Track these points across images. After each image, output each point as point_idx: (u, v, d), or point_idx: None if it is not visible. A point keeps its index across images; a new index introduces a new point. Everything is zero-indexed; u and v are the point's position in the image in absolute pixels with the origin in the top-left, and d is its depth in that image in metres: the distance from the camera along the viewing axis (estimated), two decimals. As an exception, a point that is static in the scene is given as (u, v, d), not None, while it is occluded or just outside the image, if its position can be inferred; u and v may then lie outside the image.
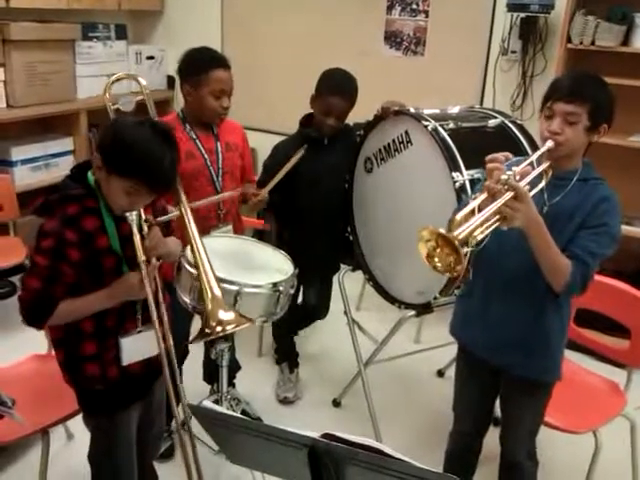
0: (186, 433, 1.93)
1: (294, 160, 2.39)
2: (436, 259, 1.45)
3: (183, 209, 1.97)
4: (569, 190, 1.73)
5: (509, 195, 1.52)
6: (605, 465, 2.28)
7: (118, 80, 2.18)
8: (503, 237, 1.62)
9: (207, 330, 1.77)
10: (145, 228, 1.71)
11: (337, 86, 2.62)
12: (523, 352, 1.83)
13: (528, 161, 1.66)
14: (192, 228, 1.94)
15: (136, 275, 1.68)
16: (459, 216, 1.49)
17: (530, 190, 1.60)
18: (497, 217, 1.53)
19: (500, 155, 1.63)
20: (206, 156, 2.34)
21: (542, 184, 1.68)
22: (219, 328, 1.78)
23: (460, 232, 1.43)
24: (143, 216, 1.72)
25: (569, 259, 1.66)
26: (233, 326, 1.80)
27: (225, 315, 1.80)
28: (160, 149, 1.61)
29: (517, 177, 1.57)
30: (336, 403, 2.97)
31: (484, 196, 1.54)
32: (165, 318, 1.80)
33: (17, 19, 3.61)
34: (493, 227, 1.53)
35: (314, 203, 2.71)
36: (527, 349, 1.83)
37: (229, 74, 2.30)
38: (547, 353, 1.85)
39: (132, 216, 1.66)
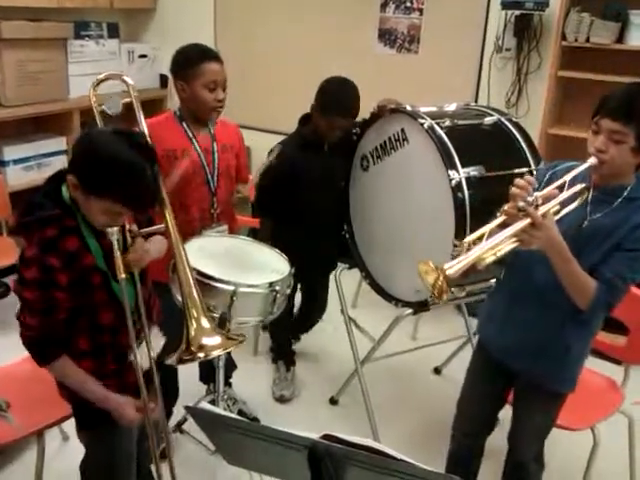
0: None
1: (274, 154, 2.43)
2: (439, 282, 1.44)
3: (170, 227, 1.86)
4: (613, 208, 1.66)
5: (526, 222, 1.49)
6: (603, 461, 2.29)
7: (104, 81, 2.08)
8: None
9: (186, 357, 1.71)
10: (129, 239, 1.65)
11: (342, 106, 2.58)
12: (540, 360, 1.82)
13: (560, 181, 1.61)
14: (180, 249, 1.83)
15: (137, 416, 1.67)
16: (467, 239, 1.47)
17: (560, 210, 1.57)
18: (514, 239, 1.50)
19: (526, 182, 1.56)
20: (202, 155, 2.32)
21: (576, 203, 1.63)
22: (201, 354, 1.72)
23: (452, 266, 1.41)
24: (127, 226, 1.66)
25: (596, 279, 1.62)
26: (219, 351, 1.76)
27: (209, 340, 1.73)
28: (140, 166, 1.52)
29: (539, 201, 1.52)
30: (333, 401, 2.96)
31: (502, 219, 1.52)
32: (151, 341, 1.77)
33: (8, 17, 3.57)
34: (508, 249, 1.50)
35: (312, 205, 2.71)
36: (545, 358, 1.81)
37: (221, 66, 2.28)
38: (565, 365, 1.83)
39: (113, 231, 1.58)
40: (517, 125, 2.48)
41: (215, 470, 2.42)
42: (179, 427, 2.51)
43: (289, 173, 2.58)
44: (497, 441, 2.10)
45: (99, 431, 1.78)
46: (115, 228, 1.59)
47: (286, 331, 3.10)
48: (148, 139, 1.66)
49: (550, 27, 3.43)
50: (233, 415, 1.36)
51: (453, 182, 2.18)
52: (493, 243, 1.47)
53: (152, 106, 4.22)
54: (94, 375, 1.70)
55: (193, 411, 1.40)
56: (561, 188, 1.61)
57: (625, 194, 1.66)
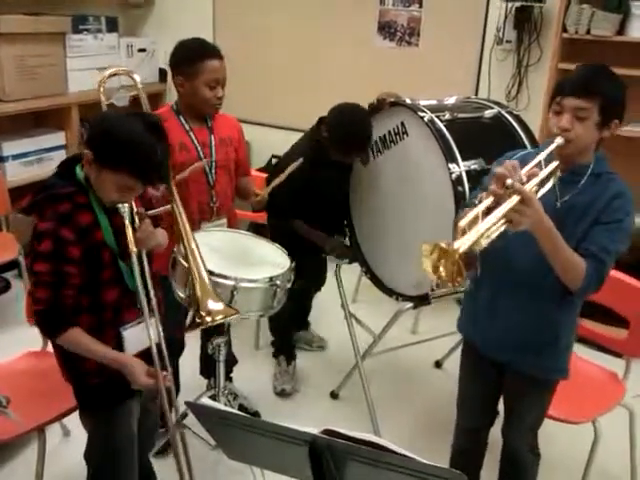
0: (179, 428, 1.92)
1: (292, 168, 2.36)
2: (441, 269, 1.42)
3: (174, 203, 1.98)
4: (582, 186, 1.69)
5: (515, 199, 1.48)
6: (604, 455, 2.28)
7: (113, 75, 2.16)
8: (513, 236, 1.56)
9: (197, 320, 1.81)
10: (137, 220, 1.73)
11: (359, 145, 2.49)
12: (531, 351, 1.81)
13: (537, 160, 1.61)
14: (183, 220, 1.95)
15: (148, 381, 1.70)
16: (462, 223, 1.44)
17: (538, 190, 1.57)
18: (503, 221, 1.48)
19: (510, 164, 1.55)
20: (199, 148, 2.32)
21: (551, 183, 1.64)
22: (208, 318, 1.80)
23: (462, 244, 1.39)
24: (135, 209, 1.73)
25: (583, 257, 1.62)
26: (221, 317, 1.82)
27: (214, 305, 1.82)
28: (151, 142, 1.62)
29: (524, 179, 1.52)
30: (334, 395, 2.96)
31: (490, 200, 1.50)
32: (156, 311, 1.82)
33: (6, 12, 3.56)
34: (499, 231, 1.48)
35: (322, 213, 2.73)
36: (535, 348, 1.81)
37: (222, 64, 2.28)
38: (555, 352, 1.83)
39: (124, 208, 1.67)
40: (517, 118, 2.48)
41: (216, 465, 2.42)
42: (180, 422, 2.50)
43: (304, 188, 2.56)
44: (497, 433, 2.10)
45: (100, 413, 1.82)
46: (126, 205, 1.67)
47: (287, 325, 3.10)
48: (160, 120, 1.74)
49: (551, 19, 3.42)
50: (234, 410, 1.36)
51: (453, 175, 2.18)
52: (488, 224, 1.45)
53: (151, 100, 4.15)
54: None
55: (193, 406, 1.39)
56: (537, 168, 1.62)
57: (589, 171, 1.69)
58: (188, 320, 2.31)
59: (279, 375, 3.01)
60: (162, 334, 1.81)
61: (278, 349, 3.11)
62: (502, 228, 1.49)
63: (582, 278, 1.62)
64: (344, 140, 2.49)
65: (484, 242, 1.44)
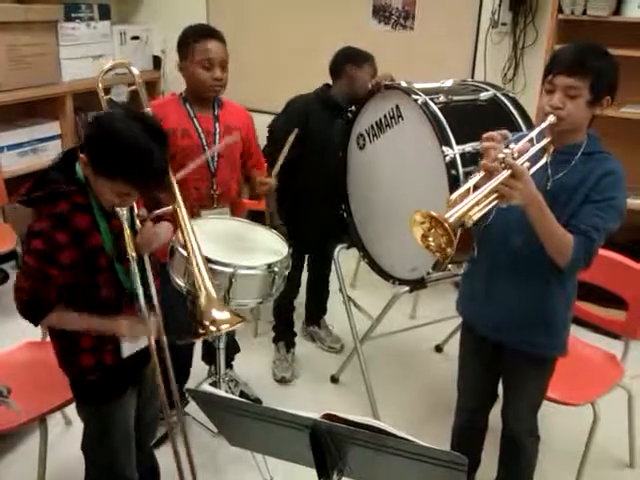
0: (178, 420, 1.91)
1: (290, 142, 2.35)
2: (430, 239, 1.43)
3: (176, 204, 1.91)
4: (573, 165, 1.70)
5: (506, 173, 1.49)
6: (603, 436, 2.29)
7: (111, 70, 2.15)
8: (509, 214, 1.58)
9: (201, 330, 1.75)
10: (138, 223, 1.69)
11: (360, 56, 2.71)
12: (528, 329, 1.83)
13: (528, 137, 1.62)
14: (187, 223, 1.88)
15: (129, 326, 1.65)
16: (454, 196, 1.46)
17: (530, 167, 1.57)
18: (495, 195, 1.49)
19: (496, 133, 1.59)
20: (202, 136, 2.32)
21: (544, 160, 1.65)
22: (213, 328, 1.75)
23: (452, 214, 1.40)
24: (136, 211, 1.69)
25: (572, 234, 1.63)
26: (227, 326, 1.78)
27: (219, 315, 1.77)
28: (149, 147, 1.54)
29: (515, 154, 1.53)
30: (334, 379, 2.98)
31: (481, 175, 1.51)
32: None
33: (-4, 0, 3.53)
34: (491, 206, 1.49)
35: (318, 171, 2.70)
36: (532, 326, 1.82)
37: (219, 45, 2.29)
38: (552, 330, 1.84)
39: (122, 211, 1.62)
40: (513, 100, 2.46)
41: (218, 452, 2.44)
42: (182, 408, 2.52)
43: (301, 122, 2.56)
44: (497, 416, 2.11)
45: (96, 407, 1.80)
46: (125, 208, 1.62)
47: (288, 312, 3.10)
48: (160, 122, 1.70)
49: (546, 0, 3.39)
50: (235, 397, 1.37)
51: (447, 158, 2.17)
52: (478, 197, 1.46)
53: (145, 88, 4.17)
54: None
55: (195, 394, 1.40)
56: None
57: (581, 150, 1.70)
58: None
59: (278, 362, 3.02)
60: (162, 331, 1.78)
61: (279, 335, 3.11)
62: (494, 203, 1.50)
63: (570, 255, 1.63)
64: (339, 62, 2.73)
65: (475, 215, 1.45)
